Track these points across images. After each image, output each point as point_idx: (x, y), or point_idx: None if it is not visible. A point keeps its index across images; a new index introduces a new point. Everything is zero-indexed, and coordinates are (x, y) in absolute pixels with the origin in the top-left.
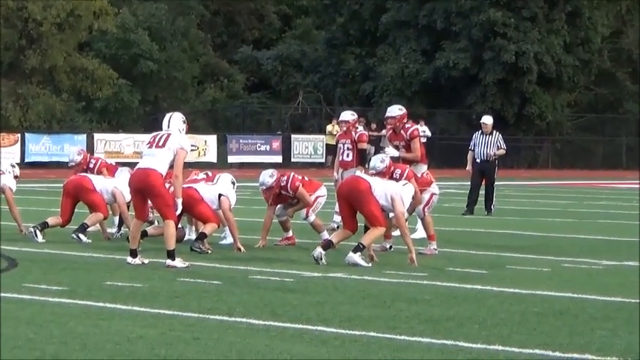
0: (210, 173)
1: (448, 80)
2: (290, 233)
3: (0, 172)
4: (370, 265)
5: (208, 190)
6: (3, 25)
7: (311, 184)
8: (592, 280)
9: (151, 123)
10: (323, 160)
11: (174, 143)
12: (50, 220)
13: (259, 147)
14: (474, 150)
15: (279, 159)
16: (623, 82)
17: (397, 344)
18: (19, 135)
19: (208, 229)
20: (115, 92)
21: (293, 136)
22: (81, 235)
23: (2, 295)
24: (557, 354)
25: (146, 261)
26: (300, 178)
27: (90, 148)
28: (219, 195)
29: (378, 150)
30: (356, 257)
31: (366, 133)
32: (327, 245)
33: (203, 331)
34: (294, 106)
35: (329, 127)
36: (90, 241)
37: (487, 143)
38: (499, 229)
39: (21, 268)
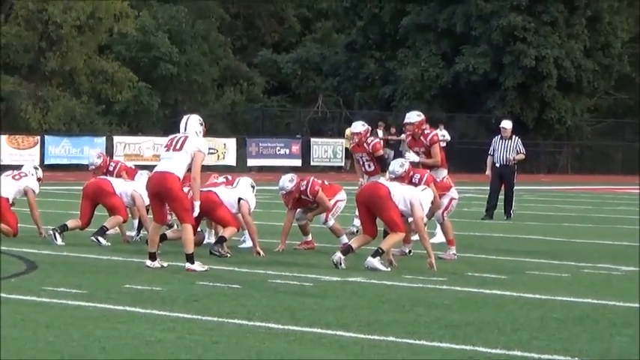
0: (230, 177)
1: (468, 84)
2: (309, 237)
3: (22, 175)
4: (389, 269)
5: (228, 194)
6: (23, 27)
7: (330, 188)
8: (612, 286)
9: (170, 126)
10: (342, 164)
11: (192, 146)
12: (69, 223)
13: (278, 150)
14: (493, 155)
15: (298, 162)
16: None
17: (416, 349)
18: (38, 137)
19: (227, 232)
20: (134, 95)
21: (312, 139)
22: (100, 238)
23: (22, 298)
24: None
25: (165, 264)
26: (319, 182)
27: (109, 150)
28: (239, 199)
29: (398, 154)
30: (375, 262)
31: (379, 140)
32: (347, 250)
33: (222, 335)
34: (314, 109)
35: (348, 131)
36: (109, 244)
37: (506, 148)
38: (518, 234)
39: (40, 271)
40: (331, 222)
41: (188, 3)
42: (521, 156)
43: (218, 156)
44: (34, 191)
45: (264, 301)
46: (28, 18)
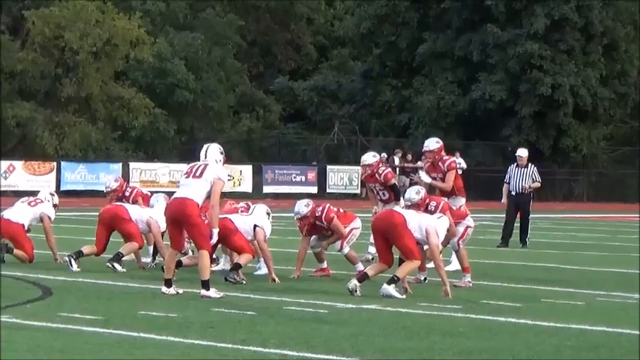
0: (250, 204)
1: (484, 112)
2: (325, 264)
3: (38, 201)
4: (404, 297)
5: (243, 221)
6: (40, 54)
7: (345, 215)
8: (626, 314)
9: (186, 152)
10: (358, 191)
11: (212, 174)
12: (85, 249)
13: (294, 177)
14: (509, 183)
15: (314, 189)
16: None
17: None
18: (54, 163)
19: (243, 259)
20: (150, 121)
21: (328, 166)
22: (116, 264)
23: (37, 324)
24: None
25: (180, 291)
26: (335, 209)
27: (125, 176)
28: (255, 226)
29: (414, 182)
30: (390, 289)
31: (390, 170)
32: (363, 278)
33: None
34: (330, 136)
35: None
36: (125, 270)
37: (522, 176)
38: (534, 262)
39: (55, 297)
40: (346, 249)
41: (204, 30)
42: (537, 184)
43: (234, 183)
44: (49, 217)
45: (279, 328)
46: (45, 44)
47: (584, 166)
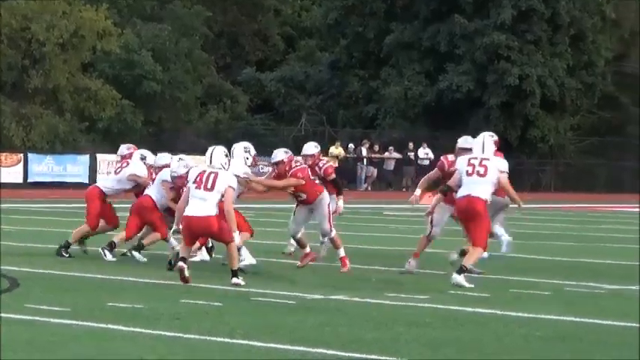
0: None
1: (451, 103)
2: (307, 249)
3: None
4: (472, 286)
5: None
6: (7, 45)
7: (314, 184)
8: (594, 304)
9: (154, 143)
10: None
11: (223, 184)
12: (116, 238)
13: (262, 169)
14: None
15: None
16: (627, 106)
17: None
18: (21, 155)
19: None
20: (118, 113)
21: (296, 157)
22: (135, 253)
23: (3, 315)
24: None
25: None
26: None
27: (93, 168)
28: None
29: (381, 172)
30: (460, 279)
31: (331, 164)
32: (462, 270)
33: (204, 353)
34: (297, 127)
35: (332, 149)
36: (145, 259)
37: None
38: (500, 252)
39: (22, 288)
40: (333, 233)
41: (172, 21)
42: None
43: None
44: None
45: (245, 318)
46: (12, 36)
47: (552, 157)
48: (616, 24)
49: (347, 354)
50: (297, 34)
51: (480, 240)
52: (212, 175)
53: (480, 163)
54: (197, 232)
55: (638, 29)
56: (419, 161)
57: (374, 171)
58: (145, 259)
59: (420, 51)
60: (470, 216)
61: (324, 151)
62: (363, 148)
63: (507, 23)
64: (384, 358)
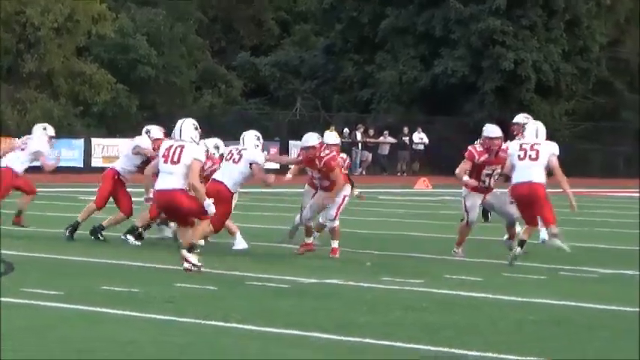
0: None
1: (446, 87)
2: (311, 239)
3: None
4: (569, 250)
5: None
6: (2, 29)
7: (344, 176)
8: (589, 289)
9: None
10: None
11: (188, 157)
12: (138, 222)
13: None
14: None
15: (276, 165)
16: (621, 91)
17: (393, 351)
18: (17, 139)
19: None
20: (113, 97)
21: (291, 142)
22: (129, 237)
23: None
24: None
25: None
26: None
27: (87, 152)
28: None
29: (376, 157)
30: (557, 241)
31: (333, 155)
32: (522, 243)
33: (198, 336)
34: (292, 112)
35: (327, 134)
36: (139, 243)
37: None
38: (496, 236)
39: (18, 272)
40: (337, 222)
41: (166, 5)
42: None
43: None
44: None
45: (240, 302)
46: (6, 20)
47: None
48: (611, 9)
49: (341, 337)
50: (292, 18)
51: (550, 218)
52: (178, 148)
53: (532, 148)
54: (164, 206)
55: (632, 15)
56: (413, 146)
57: (369, 155)
58: (139, 243)
59: (415, 36)
60: (532, 201)
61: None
62: (357, 133)
63: (502, 8)
64: (378, 341)
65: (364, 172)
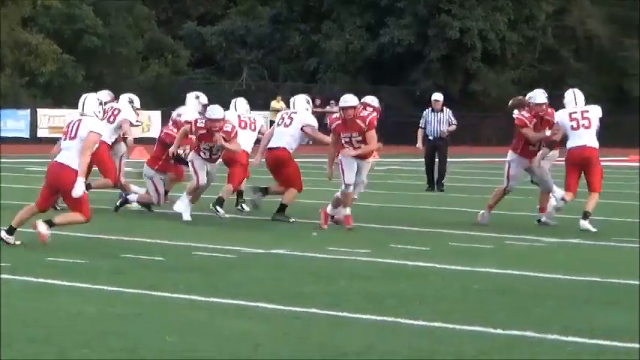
0: None
1: (392, 56)
2: (348, 211)
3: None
4: (596, 230)
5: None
6: None
7: None
8: (534, 258)
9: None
10: None
11: (84, 130)
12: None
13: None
14: (424, 127)
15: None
16: (567, 60)
17: (338, 321)
18: None
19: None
20: (59, 67)
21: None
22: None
23: None
24: (499, 331)
25: (18, 242)
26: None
27: (34, 123)
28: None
29: (322, 125)
30: (586, 224)
31: (375, 114)
32: (586, 215)
33: (145, 307)
34: (239, 82)
35: (273, 103)
36: (227, 215)
37: (439, 120)
38: (443, 206)
39: None
40: (351, 189)
41: None
42: (453, 127)
43: (143, 129)
44: (130, 122)
45: (187, 273)
46: None
47: (493, 110)
48: None
49: (288, 308)
50: None
51: (597, 185)
52: (77, 123)
53: (583, 116)
54: (51, 180)
55: None
56: None
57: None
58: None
59: (360, 5)
60: (587, 163)
61: (267, 105)
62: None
63: None
64: (324, 311)
65: (310, 142)
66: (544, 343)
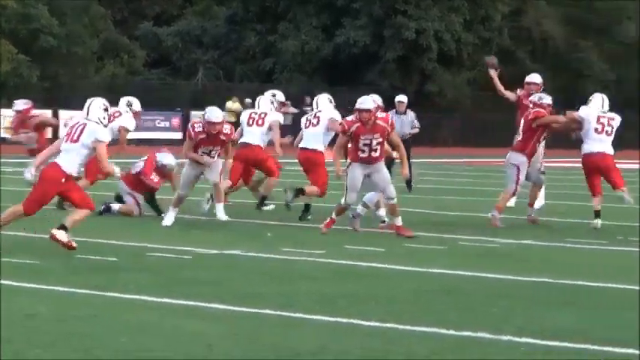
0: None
1: (348, 57)
2: (399, 221)
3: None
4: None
5: None
6: None
7: None
8: (487, 259)
9: (50, 99)
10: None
11: (89, 137)
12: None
13: (158, 123)
14: None
15: (178, 135)
16: (523, 60)
17: (291, 321)
18: None
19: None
20: (14, 67)
21: (192, 112)
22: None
23: None
24: (451, 331)
25: None
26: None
27: None
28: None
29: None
30: (626, 195)
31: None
32: (597, 214)
33: (98, 308)
34: (194, 82)
35: (228, 104)
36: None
37: (402, 122)
38: (401, 207)
39: None
40: (395, 198)
41: None
42: (416, 130)
43: None
44: (126, 128)
45: (140, 273)
46: None
47: (449, 111)
48: None
49: (241, 309)
50: None
51: (620, 182)
52: (80, 127)
53: (608, 123)
54: (47, 180)
55: None
56: None
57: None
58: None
59: (317, 5)
60: (603, 169)
61: (222, 106)
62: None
63: None
64: (277, 312)
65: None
66: (498, 344)
